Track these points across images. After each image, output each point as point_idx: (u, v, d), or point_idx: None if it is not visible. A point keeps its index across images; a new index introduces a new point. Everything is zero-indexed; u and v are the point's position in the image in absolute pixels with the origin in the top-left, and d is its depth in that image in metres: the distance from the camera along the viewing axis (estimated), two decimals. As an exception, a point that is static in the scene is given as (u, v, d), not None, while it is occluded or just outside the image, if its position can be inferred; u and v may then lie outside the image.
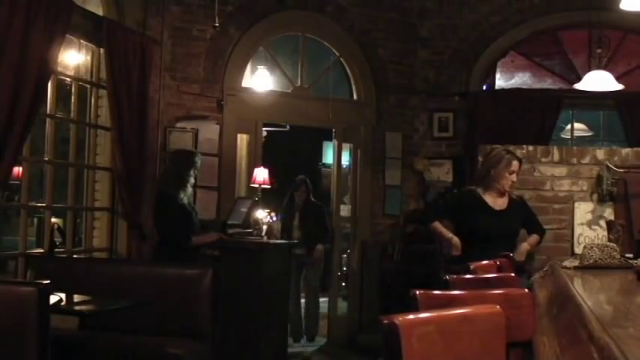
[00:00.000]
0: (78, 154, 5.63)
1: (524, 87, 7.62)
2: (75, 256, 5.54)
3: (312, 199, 7.33)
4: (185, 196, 5.30)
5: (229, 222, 5.78)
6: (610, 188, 5.43)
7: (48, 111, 5.12)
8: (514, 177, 4.66)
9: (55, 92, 5.13)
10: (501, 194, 4.69)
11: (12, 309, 3.08)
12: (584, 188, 5.57)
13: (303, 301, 7.31)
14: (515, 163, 4.67)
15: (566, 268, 3.89)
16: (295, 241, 6.65)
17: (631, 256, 4.13)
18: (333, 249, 7.40)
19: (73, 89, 5.48)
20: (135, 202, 5.50)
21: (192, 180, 5.34)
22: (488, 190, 4.68)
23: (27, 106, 4.33)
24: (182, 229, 5.25)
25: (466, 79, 7.45)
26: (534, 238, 4.78)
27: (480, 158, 5.75)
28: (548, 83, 7.60)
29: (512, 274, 3.14)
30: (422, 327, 1.66)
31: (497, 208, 4.66)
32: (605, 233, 4.88)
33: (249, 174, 6.73)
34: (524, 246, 4.69)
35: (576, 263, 3.97)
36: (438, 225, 4.78)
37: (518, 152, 5.20)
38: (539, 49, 7.56)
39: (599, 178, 5.49)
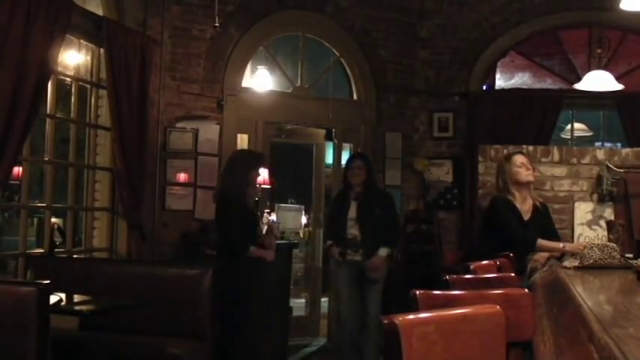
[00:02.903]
0: (78, 154, 5.63)
1: (524, 87, 7.62)
2: (75, 256, 5.54)
3: (376, 183, 5.84)
4: (250, 200, 5.03)
5: None
6: (610, 188, 5.43)
7: (48, 111, 5.12)
8: (526, 167, 4.72)
9: (55, 92, 5.13)
10: (526, 199, 4.72)
11: (12, 309, 3.08)
12: (584, 188, 5.57)
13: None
14: (517, 157, 4.76)
15: (566, 268, 3.88)
16: (294, 242, 6.22)
17: (631, 256, 4.12)
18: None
19: (73, 89, 5.48)
20: (135, 202, 5.50)
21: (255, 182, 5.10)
22: (514, 196, 4.73)
23: (27, 106, 4.33)
24: (243, 236, 4.86)
25: (466, 79, 7.46)
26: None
27: (480, 158, 5.76)
28: (548, 83, 7.61)
29: (512, 274, 3.14)
30: (422, 327, 1.65)
31: (525, 217, 4.70)
32: (605, 233, 4.87)
33: (249, 174, 6.71)
34: (544, 253, 4.61)
35: (576, 263, 3.96)
36: (542, 242, 4.53)
37: (517, 150, 5.23)
38: (539, 49, 7.56)
39: (599, 178, 5.49)
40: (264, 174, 6.58)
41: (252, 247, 4.82)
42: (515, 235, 4.56)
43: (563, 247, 4.50)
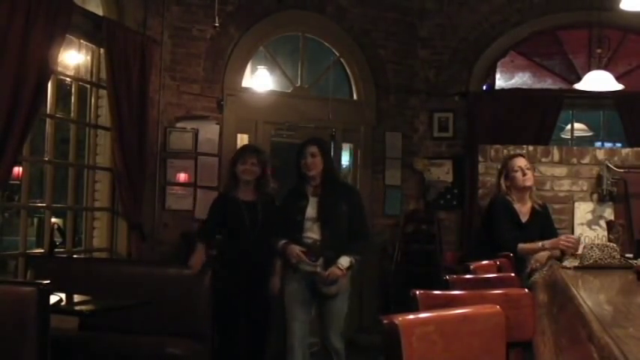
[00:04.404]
0: (78, 154, 5.63)
1: (524, 87, 7.62)
2: (75, 256, 5.54)
3: (336, 173, 4.99)
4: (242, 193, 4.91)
5: None
6: (610, 188, 5.43)
7: (48, 111, 5.12)
8: (521, 172, 4.70)
9: (55, 92, 5.13)
10: (525, 202, 4.71)
11: (12, 309, 3.08)
12: (584, 188, 5.57)
13: None
14: (515, 160, 4.74)
15: (566, 268, 3.89)
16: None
17: (631, 256, 4.12)
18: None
19: (73, 89, 5.48)
20: (135, 202, 5.50)
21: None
22: (513, 198, 4.72)
23: (27, 106, 4.33)
24: (203, 227, 5.06)
25: (466, 79, 7.45)
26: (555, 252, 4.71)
27: (480, 158, 5.77)
28: (548, 83, 7.60)
29: (512, 274, 3.14)
30: (422, 327, 1.66)
31: (522, 219, 4.68)
32: (605, 233, 4.88)
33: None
34: (544, 253, 4.57)
35: (576, 263, 3.97)
36: (523, 247, 4.49)
37: (518, 152, 5.23)
38: (539, 49, 7.56)
39: (599, 178, 5.50)
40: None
41: (200, 246, 4.84)
42: (498, 236, 4.59)
43: (542, 245, 4.51)
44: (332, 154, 4.64)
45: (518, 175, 4.72)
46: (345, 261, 4.40)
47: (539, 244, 4.50)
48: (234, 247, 4.84)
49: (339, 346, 4.52)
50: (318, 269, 4.41)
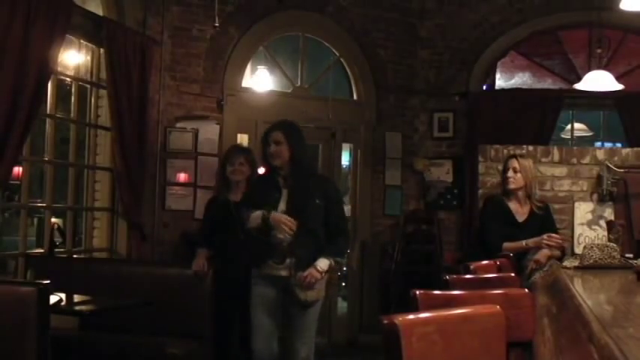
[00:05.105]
0: (78, 154, 5.63)
1: (524, 87, 7.62)
2: (75, 256, 5.54)
3: (306, 163, 4.16)
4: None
5: None
6: (610, 188, 5.43)
7: (48, 111, 5.13)
8: (509, 173, 4.68)
9: (55, 92, 5.13)
10: (521, 201, 4.70)
11: (12, 309, 3.08)
12: (584, 188, 5.57)
13: None
14: (508, 162, 4.73)
15: (566, 268, 3.89)
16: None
17: (631, 256, 4.13)
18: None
19: (73, 89, 5.48)
20: (135, 202, 5.50)
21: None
22: (509, 197, 4.70)
23: (27, 106, 4.33)
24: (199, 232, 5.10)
25: (466, 79, 7.46)
26: (555, 252, 4.67)
27: (480, 158, 5.77)
28: (548, 83, 7.61)
29: (512, 274, 3.14)
30: (422, 327, 1.66)
31: (519, 218, 4.67)
32: (605, 233, 4.88)
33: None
34: (545, 251, 4.52)
35: (576, 263, 3.97)
36: (507, 245, 4.48)
37: (518, 152, 5.22)
38: (539, 49, 7.56)
39: (599, 178, 5.50)
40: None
41: (200, 250, 4.78)
42: (484, 235, 4.60)
43: (526, 244, 4.50)
44: (303, 139, 4.09)
45: (508, 176, 4.69)
46: (323, 263, 3.90)
47: (523, 242, 4.49)
48: (226, 249, 4.82)
49: (306, 355, 3.99)
50: (283, 273, 3.90)
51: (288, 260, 3.91)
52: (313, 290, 3.89)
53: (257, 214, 3.91)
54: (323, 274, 3.90)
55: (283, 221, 3.85)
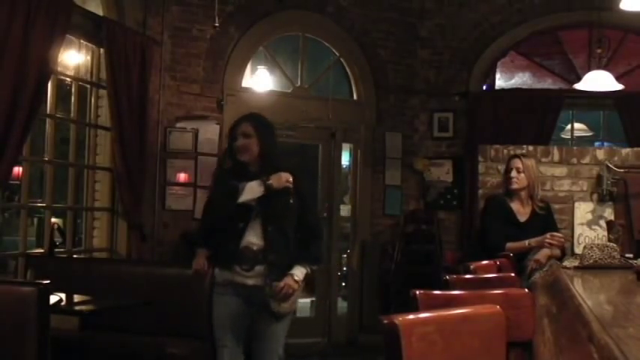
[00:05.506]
0: (78, 154, 5.64)
1: (524, 87, 7.62)
2: (75, 256, 5.54)
3: (278, 159, 3.66)
4: None
5: None
6: (610, 188, 5.43)
7: (48, 111, 5.13)
8: (513, 173, 4.67)
9: (55, 92, 5.13)
10: (523, 201, 4.70)
11: (12, 309, 3.08)
12: (584, 188, 5.57)
13: None
14: (510, 162, 4.72)
15: (566, 268, 3.88)
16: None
17: (631, 256, 4.13)
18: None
19: (73, 89, 5.48)
20: (135, 202, 5.50)
21: None
22: (511, 197, 4.70)
23: (27, 106, 4.33)
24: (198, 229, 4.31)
25: (466, 79, 7.46)
26: (555, 251, 4.66)
27: (480, 158, 5.77)
28: (548, 83, 7.61)
29: (512, 274, 3.14)
30: (422, 327, 1.66)
31: (521, 219, 4.67)
32: (605, 233, 4.87)
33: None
34: (545, 251, 4.48)
35: (576, 263, 3.97)
36: (510, 245, 4.46)
37: (520, 152, 5.22)
38: (539, 49, 7.56)
39: (599, 178, 5.49)
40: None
41: (200, 250, 3.91)
42: (485, 235, 4.59)
43: (528, 243, 4.49)
44: (273, 134, 3.70)
45: (509, 177, 4.69)
46: (300, 272, 3.49)
47: (526, 242, 4.49)
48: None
49: None
50: (251, 282, 3.46)
51: (257, 267, 3.45)
52: (287, 302, 3.47)
53: (253, 184, 3.44)
54: (300, 284, 3.49)
55: (285, 179, 3.47)
